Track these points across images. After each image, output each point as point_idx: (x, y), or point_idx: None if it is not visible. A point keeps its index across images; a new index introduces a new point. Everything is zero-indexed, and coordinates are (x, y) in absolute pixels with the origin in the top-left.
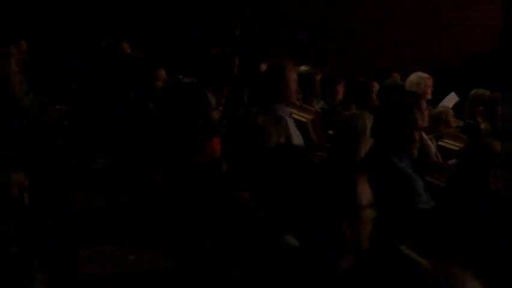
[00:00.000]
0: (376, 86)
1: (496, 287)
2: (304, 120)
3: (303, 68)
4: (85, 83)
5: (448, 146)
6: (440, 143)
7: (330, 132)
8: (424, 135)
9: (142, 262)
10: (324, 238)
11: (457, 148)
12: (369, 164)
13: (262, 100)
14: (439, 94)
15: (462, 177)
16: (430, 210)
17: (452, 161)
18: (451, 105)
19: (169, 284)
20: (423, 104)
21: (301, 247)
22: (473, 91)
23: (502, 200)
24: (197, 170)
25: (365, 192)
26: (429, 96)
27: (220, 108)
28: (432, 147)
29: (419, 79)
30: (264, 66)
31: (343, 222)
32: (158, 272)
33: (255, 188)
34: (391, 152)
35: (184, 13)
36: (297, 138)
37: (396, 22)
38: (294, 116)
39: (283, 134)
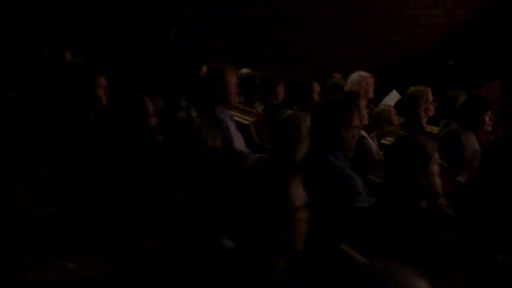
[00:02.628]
0: (317, 87)
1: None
2: (246, 122)
3: (243, 70)
4: (26, 91)
5: (390, 143)
6: (382, 141)
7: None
8: (365, 134)
9: (82, 269)
10: (259, 240)
11: None
12: (307, 165)
13: (203, 103)
14: (381, 92)
15: (392, 174)
16: (369, 208)
17: None
18: (392, 103)
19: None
20: (363, 102)
21: (237, 249)
22: (411, 89)
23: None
24: (135, 175)
25: (299, 193)
26: (371, 95)
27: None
28: (374, 145)
29: (360, 78)
30: (204, 70)
31: (277, 223)
32: (98, 279)
33: (190, 192)
34: (328, 152)
35: (122, 19)
36: (239, 141)
37: (337, 22)
38: (236, 118)
39: (219, 137)
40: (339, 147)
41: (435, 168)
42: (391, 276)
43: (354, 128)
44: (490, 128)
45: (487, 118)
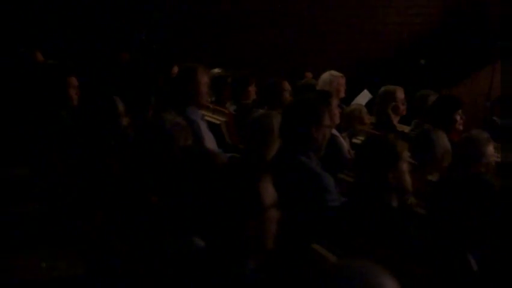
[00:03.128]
0: (288, 86)
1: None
2: (217, 122)
3: (215, 70)
4: None
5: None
6: (353, 140)
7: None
8: (337, 133)
9: (55, 269)
10: (229, 239)
11: None
12: (278, 164)
13: (174, 104)
14: (353, 92)
15: (362, 173)
16: (340, 207)
17: None
18: (364, 102)
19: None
20: (335, 102)
21: (208, 248)
22: (383, 88)
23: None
24: (107, 174)
25: (269, 193)
26: (342, 95)
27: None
28: (345, 144)
29: (331, 78)
30: (175, 70)
31: (248, 222)
32: (72, 278)
33: (162, 191)
34: (299, 151)
35: (93, 20)
36: (210, 141)
37: (309, 22)
38: (207, 118)
39: (190, 137)
40: (310, 147)
41: (405, 167)
42: (362, 275)
43: (325, 127)
44: (461, 127)
45: (458, 117)
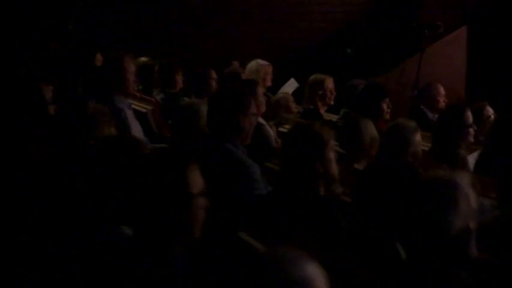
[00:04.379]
0: (214, 75)
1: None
2: (144, 110)
3: (142, 59)
4: None
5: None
6: (280, 128)
7: (170, 122)
8: (263, 121)
9: None
10: (157, 227)
11: None
12: (205, 152)
13: (101, 92)
14: (280, 81)
15: (289, 161)
16: (267, 195)
17: None
18: (290, 91)
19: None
20: (260, 90)
21: (136, 237)
22: (312, 77)
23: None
24: (34, 162)
25: (197, 181)
26: (269, 83)
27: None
28: (272, 133)
29: (258, 66)
30: (99, 58)
31: (175, 210)
32: None
33: (89, 179)
34: (226, 140)
35: (20, 9)
36: (137, 129)
37: (237, 10)
38: (134, 107)
39: (113, 124)
40: (236, 135)
41: (331, 155)
42: (289, 264)
43: (252, 115)
44: (388, 116)
45: (385, 106)
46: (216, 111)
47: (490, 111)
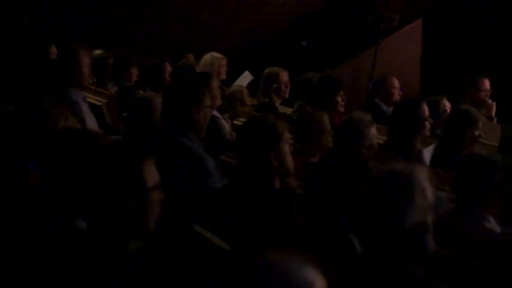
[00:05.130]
0: (168, 67)
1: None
2: (99, 103)
3: (96, 51)
4: None
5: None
6: (235, 121)
7: (125, 114)
8: (218, 114)
9: None
10: (112, 221)
11: None
12: (160, 145)
13: (56, 85)
14: (234, 73)
15: (244, 154)
16: (222, 188)
17: None
18: (245, 84)
19: None
20: (215, 83)
21: (90, 230)
22: (267, 70)
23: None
24: None
25: (152, 175)
26: (223, 76)
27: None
28: (227, 126)
29: (212, 59)
30: (53, 50)
31: (130, 204)
32: None
33: (44, 172)
34: (180, 133)
35: None
36: (91, 122)
37: (192, 4)
38: (89, 99)
39: (70, 117)
40: (191, 128)
41: (286, 148)
42: (288, 269)
43: (206, 108)
44: (342, 109)
45: (339, 99)
46: (170, 104)
47: (446, 104)
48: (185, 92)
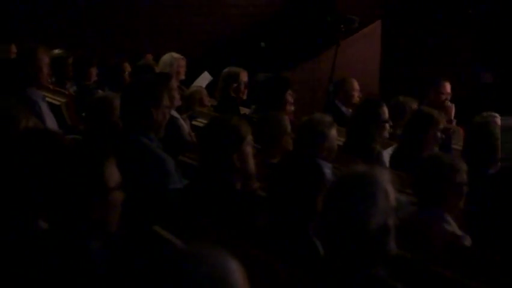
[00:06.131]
0: (128, 67)
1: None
2: (57, 103)
3: (55, 51)
4: None
5: (202, 125)
6: (194, 122)
7: (84, 114)
8: (177, 115)
9: None
10: (73, 221)
11: None
12: (120, 146)
13: (14, 85)
14: (193, 74)
15: (206, 155)
16: (183, 189)
17: None
18: (204, 84)
19: None
20: (174, 84)
21: (51, 230)
22: (226, 70)
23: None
24: None
25: (113, 175)
26: (182, 76)
27: None
28: (186, 126)
29: (172, 59)
30: (13, 49)
31: (91, 204)
32: None
33: (5, 173)
34: (139, 133)
35: None
36: (51, 122)
37: (151, 3)
38: (48, 99)
39: (31, 117)
40: (149, 128)
41: (249, 150)
42: (205, 259)
43: (165, 108)
44: (292, 108)
45: (289, 97)
46: (128, 104)
47: (408, 106)
48: (144, 92)
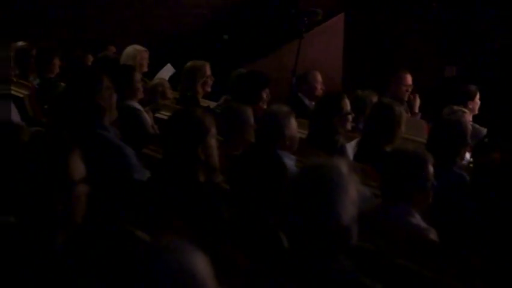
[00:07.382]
0: (91, 59)
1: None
2: (21, 95)
3: (19, 43)
4: None
5: (165, 117)
6: (157, 114)
7: (46, 107)
8: (140, 107)
9: None
10: (38, 214)
11: None
12: (79, 138)
13: None
14: (156, 66)
15: (169, 148)
16: (146, 182)
17: None
18: (167, 77)
19: None
20: (137, 76)
21: (16, 224)
22: (190, 63)
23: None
24: None
25: (78, 168)
26: (145, 69)
27: None
28: (149, 119)
29: (135, 52)
30: None
31: (56, 197)
32: None
33: None
34: (95, 124)
35: None
36: (14, 114)
37: None
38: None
39: None
40: (100, 116)
41: (213, 142)
42: (171, 253)
43: (106, 90)
44: (265, 105)
45: (264, 95)
46: (80, 96)
47: (369, 100)
48: (83, 81)
